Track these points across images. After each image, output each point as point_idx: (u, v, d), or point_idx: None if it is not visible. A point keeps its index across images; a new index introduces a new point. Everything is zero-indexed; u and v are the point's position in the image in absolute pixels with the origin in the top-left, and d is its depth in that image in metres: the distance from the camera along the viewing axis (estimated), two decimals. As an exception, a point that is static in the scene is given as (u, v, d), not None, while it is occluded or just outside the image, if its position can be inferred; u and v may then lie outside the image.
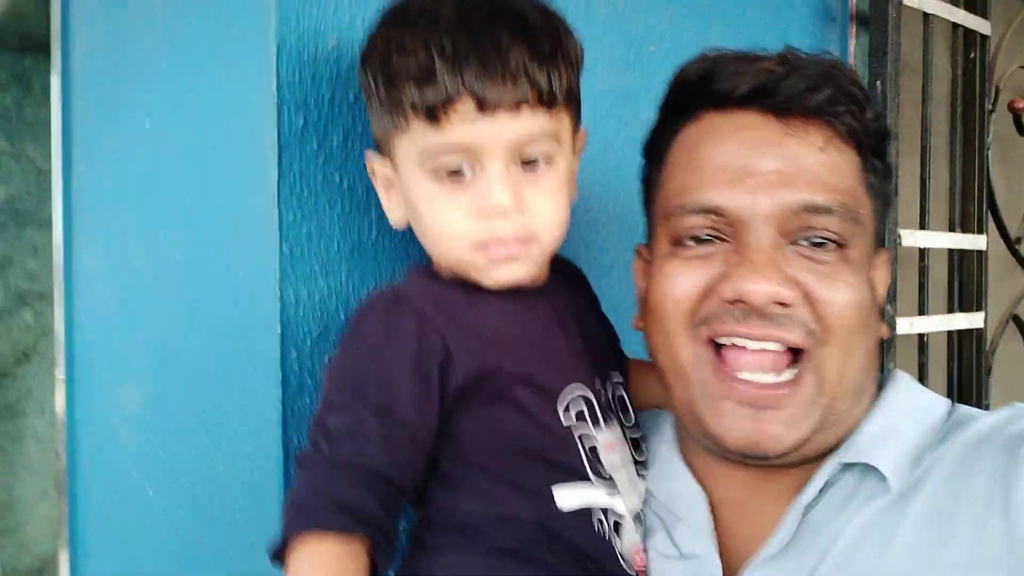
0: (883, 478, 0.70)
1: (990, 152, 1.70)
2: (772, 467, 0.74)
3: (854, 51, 1.45)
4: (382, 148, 0.78)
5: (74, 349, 1.68)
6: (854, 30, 1.46)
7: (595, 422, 0.76)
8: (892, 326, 1.41)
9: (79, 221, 1.62)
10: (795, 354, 0.71)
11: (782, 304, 0.69)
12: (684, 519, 0.77)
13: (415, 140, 0.73)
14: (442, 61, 0.69)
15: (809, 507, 0.72)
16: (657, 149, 0.81)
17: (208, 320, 1.02)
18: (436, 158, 0.72)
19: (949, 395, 1.69)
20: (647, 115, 1.17)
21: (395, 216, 0.81)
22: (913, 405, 0.76)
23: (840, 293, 0.70)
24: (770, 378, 0.69)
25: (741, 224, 0.70)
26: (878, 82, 1.42)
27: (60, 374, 1.67)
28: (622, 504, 0.76)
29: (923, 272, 1.55)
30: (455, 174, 0.73)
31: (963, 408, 0.75)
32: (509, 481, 0.72)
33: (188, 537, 1.09)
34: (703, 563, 0.75)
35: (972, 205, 1.65)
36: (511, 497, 0.72)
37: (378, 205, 0.91)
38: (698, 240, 0.73)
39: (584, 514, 0.73)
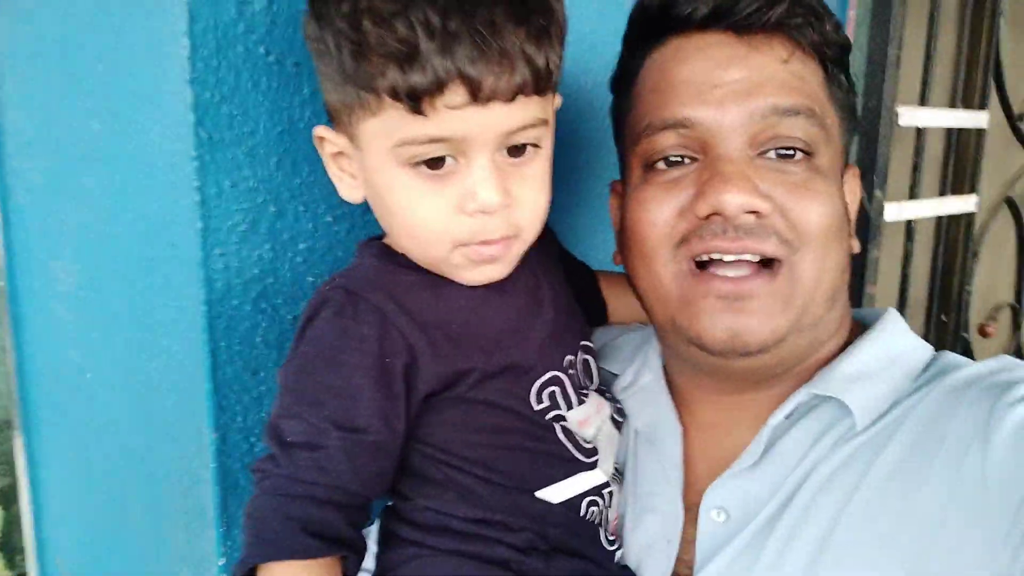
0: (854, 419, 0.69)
1: (1002, 19, 1.56)
2: (749, 388, 0.75)
3: (866, -100, 1.29)
4: (337, 119, 0.67)
5: (10, 216, 1.58)
6: None
7: (568, 403, 0.73)
8: (880, 212, 1.33)
9: (5, 80, 1.49)
10: (771, 267, 0.70)
11: (756, 215, 0.68)
12: (657, 447, 0.78)
13: (389, 127, 0.62)
14: (430, 40, 0.58)
15: (779, 430, 0.72)
16: (624, 80, 0.79)
17: (129, 205, 0.93)
18: (414, 149, 0.62)
19: (932, 280, 1.64)
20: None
21: (350, 193, 0.71)
22: (895, 350, 0.74)
23: (812, 202, 0.69)
24: (744, 271, 0.69)
25: (710, 135, 0.70)
26: (889, -61, 1.27)
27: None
28: (603, 474, 0.74)
29: (918, 152, 1.45)
30: (435, 163, 0.63)
31: (947, 355, 0.74)
32: (492, 480, 0.68)
33: (122, 424, 1.04)
34: (667, 494, 0.76)
35: (976, 78, 1.53)
36: (496, 496, 0.68)
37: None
38: (668, 162, 0.72)
39: (573, 503, 0.71)
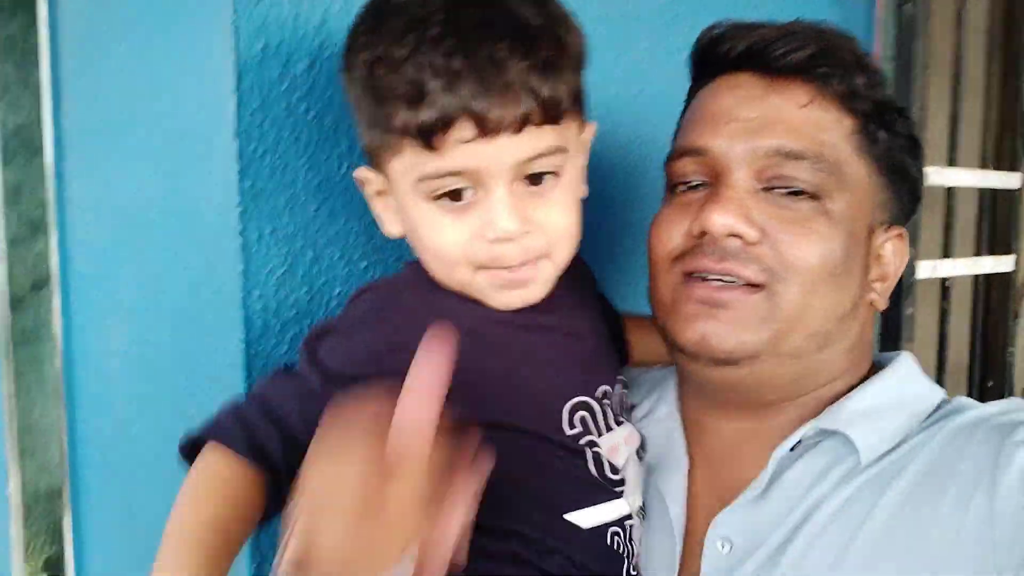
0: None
1: (1029, 83, 1.58)
2: (747, 415, 0.77)
3: (884, -28, 1.34)
4: (373, 161, 0.72)
5: (69, 280, 1.67)
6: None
7: (598, 430, 0.74)
8: (912, 271, 1.34)
9: (70, 149, 1.59)
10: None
11: (742, 240, 0.71)
12: (663, 478, 0.80)
13: (409, 164, 0.67)
14: (434, 80, 0.62)
15: (784, 463, 0.73)
16: (681, 115, 0.85)
17: (178, 256, 0.99)
18: (433, 183, 0.67)
19: (972, 342, 1.62)
20: (647, 42, 1.09)
21: (391, 228, 0.75)
22: (906, 391, 0.76)
23: (804, 239, 0.71)
24: (727, 277, 0.72)
25: (719, 164, 0.74)
26: (907, 4, 1.31)
27: (57, 304, 1.67)
28: (628, 505, 0.75)
29: (949, 212, 1.47)
30: (455, 195, 0.67)
31: (959, 399, 0.76)
32: (523, 495, 0.69)
33: (166, 475, 1.08)
34: (667, 525, 0.77)
35: (1007, 140, 1.55)
36: (526, 510, 0.69)
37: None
38: (689, 186, 0.77)
39: (600, 531, 0.72)
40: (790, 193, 0.72)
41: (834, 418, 0.72)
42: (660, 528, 0.77)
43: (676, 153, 0.78)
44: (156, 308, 1.12)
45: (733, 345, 0.71)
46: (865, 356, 0.79)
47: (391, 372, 0.64)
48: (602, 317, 0.83)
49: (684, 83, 0.85)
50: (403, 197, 0.70)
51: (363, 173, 0.74)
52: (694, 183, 0.76)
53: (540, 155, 0.66)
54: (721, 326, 0.71)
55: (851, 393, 0.75)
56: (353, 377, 0.64)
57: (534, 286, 0.71)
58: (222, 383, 0.88)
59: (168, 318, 1.05)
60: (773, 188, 0.72)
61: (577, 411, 0.73)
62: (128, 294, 1.27)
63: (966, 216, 1.54)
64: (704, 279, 0.72)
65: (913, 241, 1.34)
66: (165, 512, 1.12)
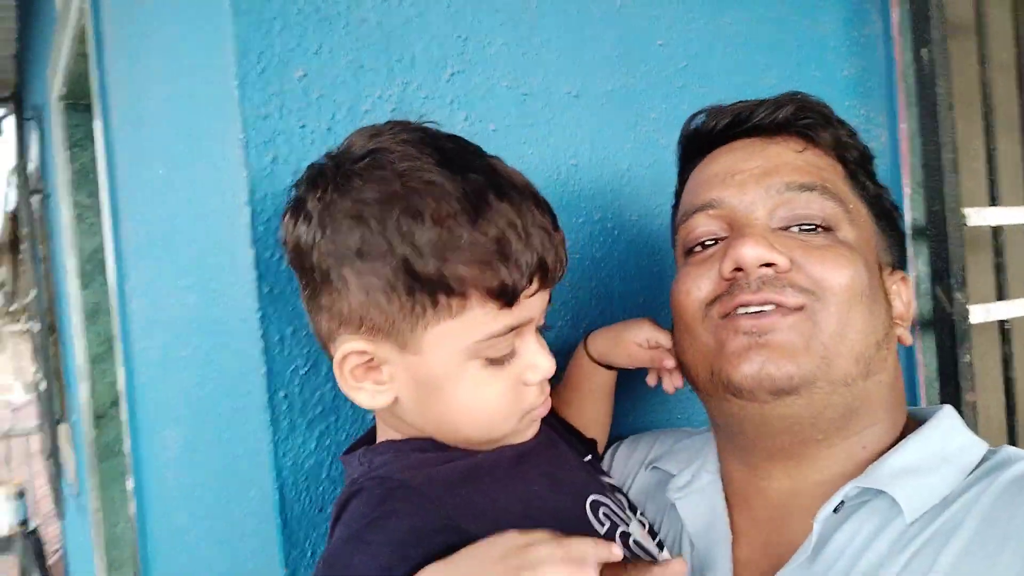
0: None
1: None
2: (797, 466, 0.75)
3: (899, 19, 1.33)
4: (376, 331, 0.66)
5: (135, 396, 1.74)
6: (896, -3, 1.34)
7: (625, 521, 0.75)
8: (964, 316, 1.29)
9: (129, 274, 1.68)
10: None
11: (775, 268, 0.72)
12: (708, 556, 0.78)
13: (469, 325, 0.64)
14: (518, 238, 0.63)
15: (830, 525, 0.71)
16: (677, 195, 0.89)
17: (214, 365, 1.02)
18: (499, 341, 0.66)
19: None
20: (657, 113, 1.11)
21: (378, 399, 0.69)
22: (949, 446, 0.73)
23: (832, 263, 0.72)
24: (767, 307, 0.72)
25: (734, 212, 0.77)
26: (924, 49, 1.30)
27: (124, 418, 1.74)
28: None
29: (998, 252, 1.41)
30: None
31: (1004, 449, 0.73)
32: None
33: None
34: None
35: (1052, 174, 1.50)
36: None
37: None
38: (704, 246, 0.79)
39: None
40: (804, 230, 0.75)
41: (876, 477, 0.70)
42: None
43: (686, 213, 0.81)
44: (201, 420, 1.15)
45: (791, 371, 0.70)
46: (901, 403, 0.78)
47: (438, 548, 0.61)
48: (556, 423, 0.84)
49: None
50: (436, 361, 0.66)
51: (359, 345, 0.67)
52: (708, 242, 0.79)
53: (550, 300, 0.71)
54: (775, 353, 0.70)
55: (892, 450, 0.73)
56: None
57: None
58: (259, 488, 0.89)
59: (213, 431, 1.08)
60: (788, 227, 0.75)
61: (598, 508, 0.73)
62: (178, 407, 1.31)
63: (1017, 255, 1.48)
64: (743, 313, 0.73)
65: (960, 286, 1.29)
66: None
